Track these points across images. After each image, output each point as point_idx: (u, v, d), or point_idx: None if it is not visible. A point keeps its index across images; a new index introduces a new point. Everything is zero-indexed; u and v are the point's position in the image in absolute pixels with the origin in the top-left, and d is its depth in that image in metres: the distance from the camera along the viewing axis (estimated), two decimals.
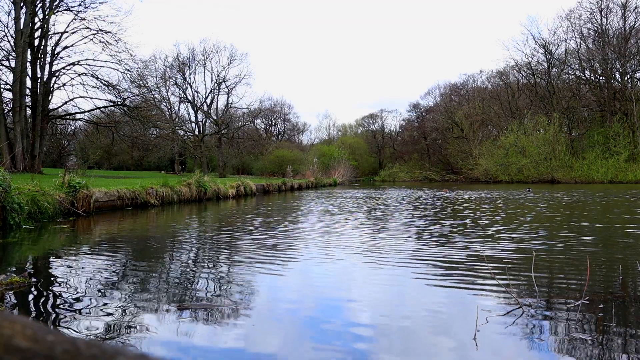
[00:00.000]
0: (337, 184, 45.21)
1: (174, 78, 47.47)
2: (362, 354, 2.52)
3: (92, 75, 25.98)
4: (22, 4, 22.40)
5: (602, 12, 51.39)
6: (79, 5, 24.93)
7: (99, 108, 28.31)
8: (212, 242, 6.69)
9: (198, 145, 45.68)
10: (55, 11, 24.52)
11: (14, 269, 4.65)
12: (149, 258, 5.41)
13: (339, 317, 3.16)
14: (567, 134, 53.62)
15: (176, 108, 50.75)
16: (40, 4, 24.34)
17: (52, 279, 4.27)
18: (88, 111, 28.78)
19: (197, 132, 47.58)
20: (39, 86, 24.73)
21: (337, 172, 51.79)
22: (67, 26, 25.26)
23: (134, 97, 28.94)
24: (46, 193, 9.17)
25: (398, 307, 3.38)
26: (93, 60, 26.12)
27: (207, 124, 49.75)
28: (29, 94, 24.52)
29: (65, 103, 27.08)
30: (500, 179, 51.80)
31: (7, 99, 23.93)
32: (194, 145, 45.99)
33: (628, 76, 50.18)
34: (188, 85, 47.71)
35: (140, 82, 29.12)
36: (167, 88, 47.81)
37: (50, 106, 26.48)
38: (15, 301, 3.46)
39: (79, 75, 26.03)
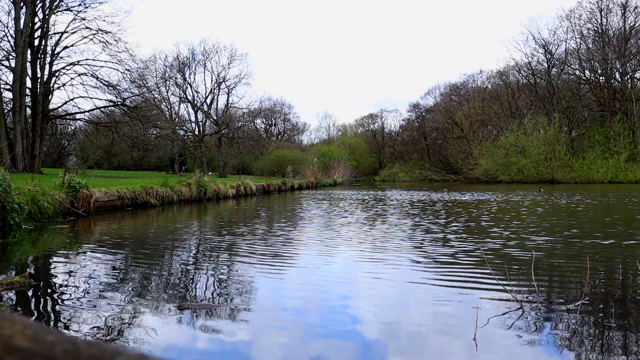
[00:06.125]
0: (337, 184, 45.21)
1: (174, 78, 47.50)
2: (362, 353, 2.52)
3: (92, 75, 26.01)
4: (22, 4, 22.40)
5: (602, 12, 51.41)
6: (79, 5, 24.96)
7: (99, 108, 28.32)
8: (212, 242, 6.69)
9: (198, 145, 45.68)
10: (55, 11, 24.52)
11: (14, 269, 4.66)
12: (149, 258, 5.41)
13: (340, 317, 3.16)
14: (567, 134, 53.62)
15: (176, 108, 50.83)
16: (40, 4, 24.34)
17: (52, 279, 4.27)
18: (88, 111, 28.79)
19: (197, 132, 47.57)
20: (39, 86, 24.72)
21: (337, 172, 51.78)
22: (67, 26, 25.29)
23: (134, 97, 28.95)
24: (46, 193, 9.16)
25: (398, 308, 3.38)
26: (93, 60, 26.16)
27: (207, 124, 49.77)
28: (29, 94, 24.52)
29: (65, 103, 27.11)
30: (500, 179, 51.79)
31: (7, 99, 23.93)
32: (194, 145, 45.98)
33: (628, 76, 50.19)
34: (188, 85, 47.75)
35: (140, 82, 29.14)
36: (167, 88, 47.85)
37: (50, 106, 26.49)
38: (15, 301, 3.46)
39: (79, 75, 26.05)
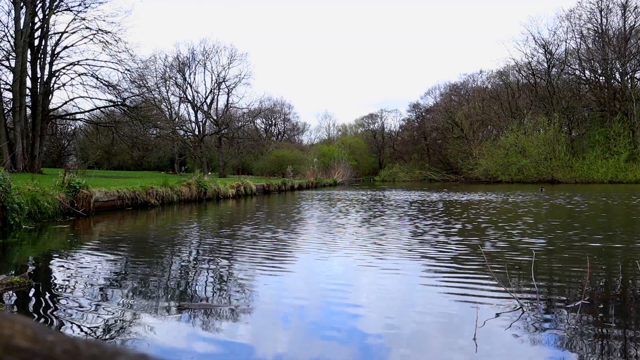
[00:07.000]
0: (337, 184, 45.20)
1: (174, 78, 47.48)
2: (362, 353, 2.52)
3: (92, 75, 26.00)
4: (22, 4, 22.39)
5: (602, 12, 51.41)
6: (79, 5, 24.95)
7: (99, 108, 28.32)
8: (212, 242, 6.69)
9: (198, 145, 45.68)
10: (55, 11, 24.51)
11: (14, 269, 4.65)
12: (149, 258, 5.41)
13: (340, 317, 3.16)
14: (567, 134, 53.62)
15: (176, 108, 50.82)
16: (40, 4, 24.34)
17: (52, 279, 4.27)
18: (88, 111, 28.79)
19: (197, 132, 47.57)
20: (39, 86, 24.72)
21: (337, 172, 51.77)
22: (67, 26, 25.28)
23: (134, 97, 28.95)
24: (46, 193, 9.16)
25: (398, 308, 3.38)
26: (93, 60, 26.15)
27: (207, 124, 49.76)
28: (29, 94, 24.52)
29: (65, 103, 27.11)
30: (500, 179, 51.80)
31: (7, 99, 23.93)
32: (194, 145, 45.98)
33: (628, 76, 50.18)
34: (188, 85, 47.74)
35: (140, 82, 29.13)
36: (167, 88, 47.84)
37: (50, 106, 26.49)
38: (15, 301, 3.46)
39: (79, 75, 26.05)
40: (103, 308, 3.27)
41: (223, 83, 48.19)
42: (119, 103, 28.02)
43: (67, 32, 25.34)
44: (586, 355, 2.52)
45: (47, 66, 25.25)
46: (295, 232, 7.77)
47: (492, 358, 2.48)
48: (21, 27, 22.18)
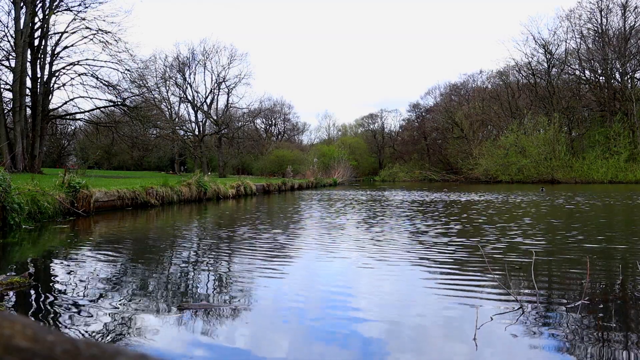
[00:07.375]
0: (337, 184, 45.19)
1: (174, 78, 47.50)
2: (362, 353, 2.52)
3: (92, 75, 26.00)
4: (22, 4, 22.39)
5: (602, 12, 51.43)
6: (79, 5, 24.96)
7: (99, 108, 28.32)
8: (212, 242, 6.69)
9: (198, 145, 45.68)
10: (55, 11, 24.52)
11: (14, 269, 4.65)
12: (149, 258, 5.41)
13: (340, 317, 3.16)
14: (567, 134, 53.63)
15: (176, 108, 50.84)
16: (40, 4, 24.34)
17: (52, 279, 4.27)
18: (88, 111, 28.79)
19: (197, 132, 47.58)
20: (39, 86, 24.72)
21: (337, 172, 51.76)
22: (67, 26, 25.29)
23: (134, 97, 28.95)
24: (46, 193, 9.16)
25: (398, 308, 3.38)
26: (93, 60, 26.15)
27: (207, 124, 49.78)
28: (29, 94, 24.52)
29: (65, 103, 27.11)
30: (500, 179, 51.80)
31: (7, 99, 23.93)
32: (194, 145, 45.99)
33: (628, 76, 50.20)
34: (188, 85, 47.75)
35: (140, 82, 29.13)
36: (167, 88, 47.85)
37: (50, 106, 26.49)
38: (15, 301, 3.46)
39: (79, 75, 26.05)
40: (103, 308, 3.27)
41: (223, 83, 48.24)
42: (119, 103, 28.03)
43: (67, 32, 25.37)
44: (586, 355, 2.52)
45: (47, 66, 25.26)
46: (295, 232, 7.77)
47: (492, 358, 2.48)
48: (21, 27, 22.18)
